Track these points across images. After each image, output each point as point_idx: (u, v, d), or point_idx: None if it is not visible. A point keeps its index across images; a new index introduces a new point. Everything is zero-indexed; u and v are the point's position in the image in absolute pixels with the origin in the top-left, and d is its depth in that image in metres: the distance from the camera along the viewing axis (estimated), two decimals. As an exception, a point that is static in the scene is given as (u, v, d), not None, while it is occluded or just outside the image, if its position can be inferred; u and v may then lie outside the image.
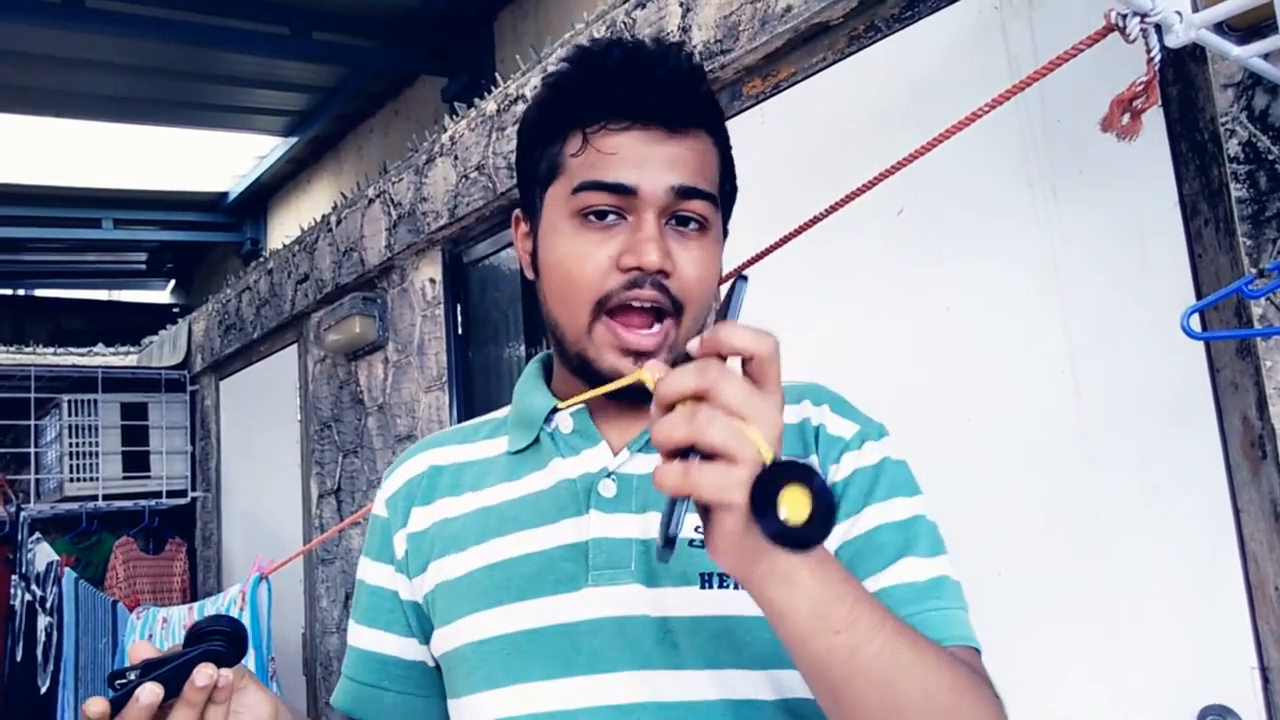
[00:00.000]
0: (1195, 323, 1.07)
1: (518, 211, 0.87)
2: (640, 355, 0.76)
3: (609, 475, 0.80)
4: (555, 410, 0.84)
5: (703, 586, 0.74)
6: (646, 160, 0.76)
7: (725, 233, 0.86)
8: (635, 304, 0.76)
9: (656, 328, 0.76)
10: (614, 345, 0.77)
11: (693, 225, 0.78)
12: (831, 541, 0.77)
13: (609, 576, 0.76)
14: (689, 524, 0.76)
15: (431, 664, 0.87)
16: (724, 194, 0.83)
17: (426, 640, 0.86)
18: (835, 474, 0.80)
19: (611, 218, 0.77)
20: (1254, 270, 1.18)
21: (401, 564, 0.87)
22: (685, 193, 0.76)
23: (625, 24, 2.15)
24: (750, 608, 0.72)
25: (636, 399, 0.82)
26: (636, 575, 0.76)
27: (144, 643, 0.72)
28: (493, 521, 0.82)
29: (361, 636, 0.89)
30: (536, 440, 0.85)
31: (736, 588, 0.74)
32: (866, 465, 0.80)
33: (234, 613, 2.44)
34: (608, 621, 0.75)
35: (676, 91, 0.77)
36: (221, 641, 0.70)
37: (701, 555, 0.75)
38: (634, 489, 0.80)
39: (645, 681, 0.73)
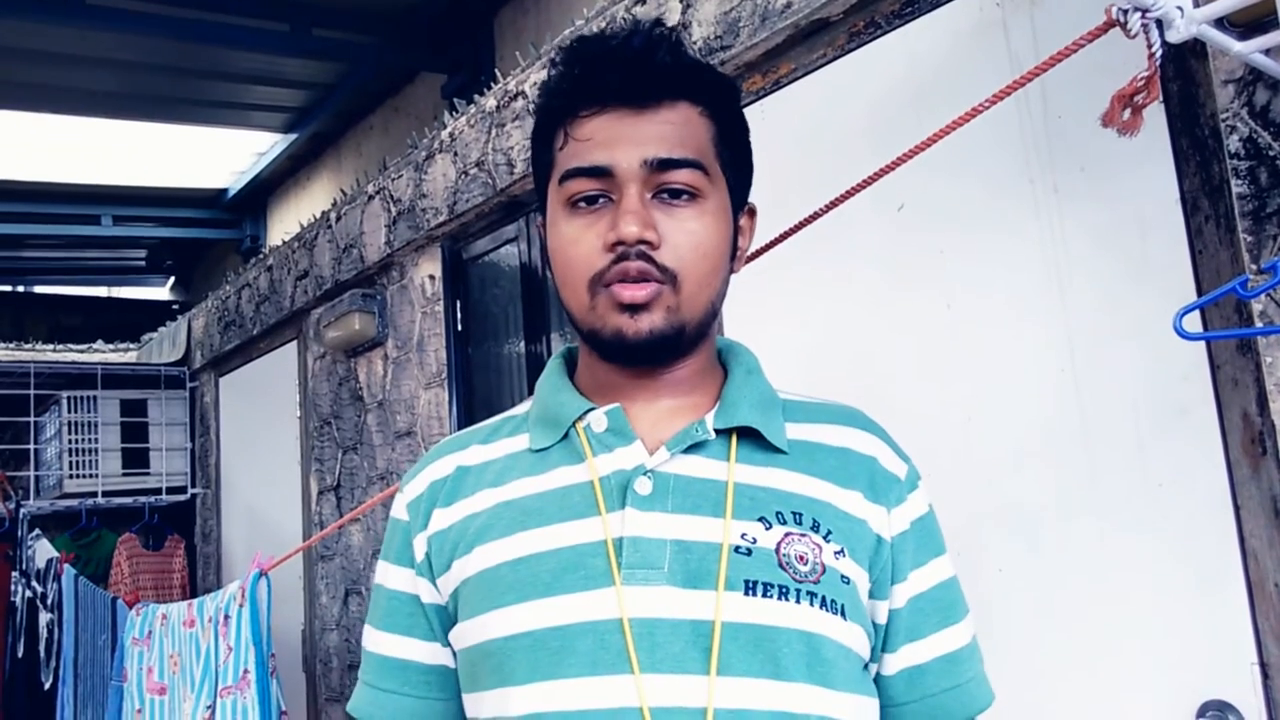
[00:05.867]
0: (1189, 322, 1.07)
1: (540, 214, 0.89)
2: (636, 309, 0.77)
3: (646, 473, 0.79)
4: (589, 410, 0.83)
5: (746, 593, 0.74)
6: (618, 139, 0.78)
7: (743, 201, 0.87)
8: (625, 278, 0.77)
9: (647, 283, 0.77)
10: (614, 305, 0.78)
11: (683, 196, 0.79)
12: (899, 597, 0.81)
13: (641, 576, 0.75)
14: (735, 531, 0.76)
15: (453, 665, 0.85)
16: (725, 160, 0.83)
17: (449, 642, 0.84)
18: (891, 524, 0.81)
19: (601, 201, 0.79)
20: (1251, 270, 1.18)
21: (423, 567, 0.85)
22: (662, 164, 0.78)
23: (625, 20, 2.15)
24: (793, 620, 0.74)
25: (664, 392, 0.84)
26: (669, 576, 0.75)
27: None
28: (518, 516, 0.80)
29: (381, 642, 0.88)
30: (564, 438, 0.84)
31: (781, 598, 0.74)
32: (918, 517, 0.83)
33: (233, 609, 2.44)
34: (635, 622, 0.73)
35: (640, 67, 0.79)
36: None
37: (748, 562, 0.75)
38: (670, 489, 0.78)
39: (671, 685, 0.72)
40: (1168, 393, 1.35)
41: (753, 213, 0.90)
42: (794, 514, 0.78)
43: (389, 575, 0.88)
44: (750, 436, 0.82)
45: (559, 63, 0.83)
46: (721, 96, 0.84)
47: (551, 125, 0.83)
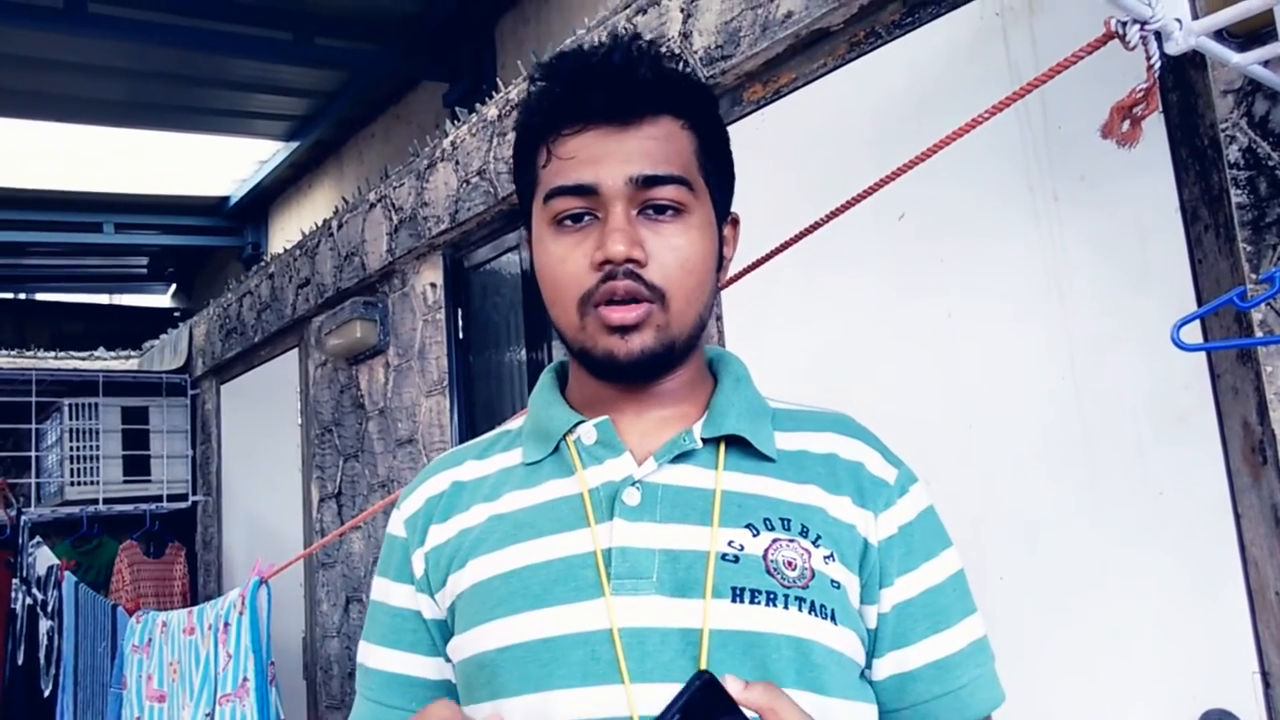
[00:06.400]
0: (1187, 333, 1.07)
1: (524, 230, 0.89)
2: (626, 330, 0.78)
3: (634, 484, 0.79)
4: (579, 423, 0.83)
5: (734, 600, 0.74)
6: (602, 157, 0.78)
7: (725, 213, 0.87)
8: (614, 298, 0.77)
9: (637, 304, 0.78)
10: (604, 327, 0.78)
11: (668, 212, 0.79)
12: (886, 603, 0.80)
13: (630, 586, 0.75)
14: (722, 539, 0.76)
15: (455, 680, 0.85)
16: (708, 171, 0.83)
17: (450, 657, 0.84)
18: (878, 528, 0.81)
19: (587, 219, 0.79)
20: (1251, 279, 1.18)
21: (422, 583, 0.85)
22: (647, 181, 0.78)
23: (626, 30, 2.16)
24: (781, 625, 0.73)
25: (652, 404, 0.84)
26: (658, 586, 0.75)
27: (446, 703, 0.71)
28: (510, 529, 0.81)
29: (384, 659, 0.88)
30: (555, 450, 0.84)
31: (769, 604, 0.74)
32: (906, 523, 0.82)
33: (233, 617, 2.44)
34: (625, 632, 0.74)
35: (621, 85, 0.79)
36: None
37: (734, 569, 0.75)
38: (658, 499, 0.79)
39: (661, 694, 0.71)
40: (1168, 401, 1.35)
41: (735, 222, 0.90)
42: (782, 520, 0.78)
43: (390, 592, 0.88)
44: (739, 445, 0.82)
45: (539, 79, 0.83)
46: (702, 108, 0.84)
47: (534, 142, 0.83)
